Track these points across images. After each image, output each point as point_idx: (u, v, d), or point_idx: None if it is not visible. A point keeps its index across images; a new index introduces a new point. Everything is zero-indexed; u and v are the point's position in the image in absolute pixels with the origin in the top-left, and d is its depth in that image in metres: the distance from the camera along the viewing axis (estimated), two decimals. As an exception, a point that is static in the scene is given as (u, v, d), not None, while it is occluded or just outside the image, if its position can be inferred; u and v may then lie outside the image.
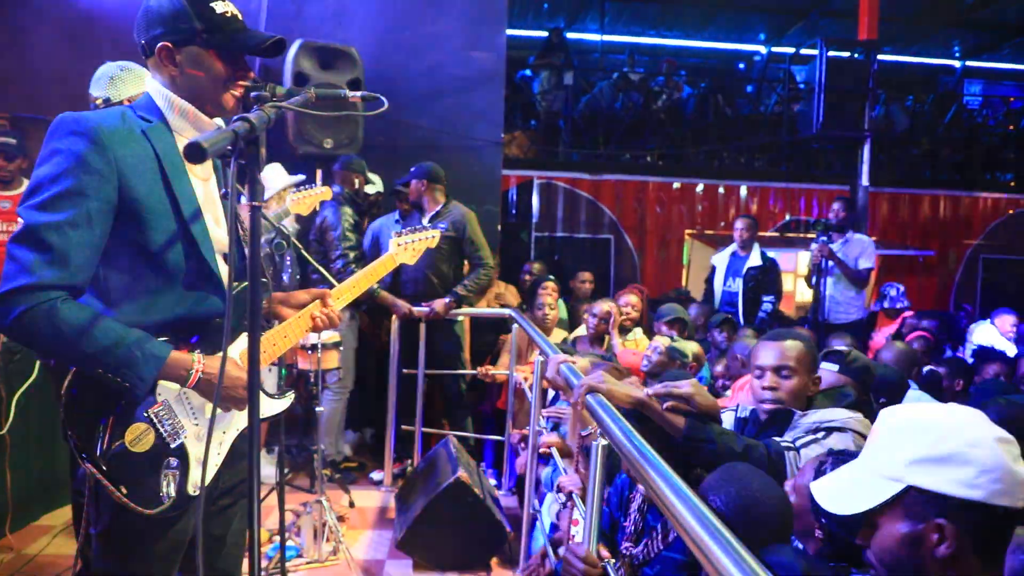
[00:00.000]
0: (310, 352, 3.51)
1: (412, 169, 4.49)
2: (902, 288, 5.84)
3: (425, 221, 4.37)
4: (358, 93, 1.57)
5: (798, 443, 1.88)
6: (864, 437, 1.88)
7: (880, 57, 8.13)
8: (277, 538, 3.03)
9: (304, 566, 3.28)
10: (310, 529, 3.33)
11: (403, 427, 4.43)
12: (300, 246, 2.66)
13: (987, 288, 9.54)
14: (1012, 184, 9.79)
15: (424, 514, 3.29)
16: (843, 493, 1.22)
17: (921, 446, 1.14)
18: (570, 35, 10.65)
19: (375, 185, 4.94)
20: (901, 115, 9.85)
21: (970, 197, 9.54)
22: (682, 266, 8.82)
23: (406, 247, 2.32)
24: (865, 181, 7.42)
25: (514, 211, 8.69)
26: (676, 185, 8.79)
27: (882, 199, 9.08)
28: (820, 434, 1.89)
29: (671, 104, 9.29)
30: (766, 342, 2.10)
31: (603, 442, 1.64)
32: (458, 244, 4.39)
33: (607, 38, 11.61)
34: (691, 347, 3.71)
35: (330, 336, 3.60)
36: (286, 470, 4.11)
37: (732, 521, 1.49)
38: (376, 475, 4.47)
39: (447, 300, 4.28)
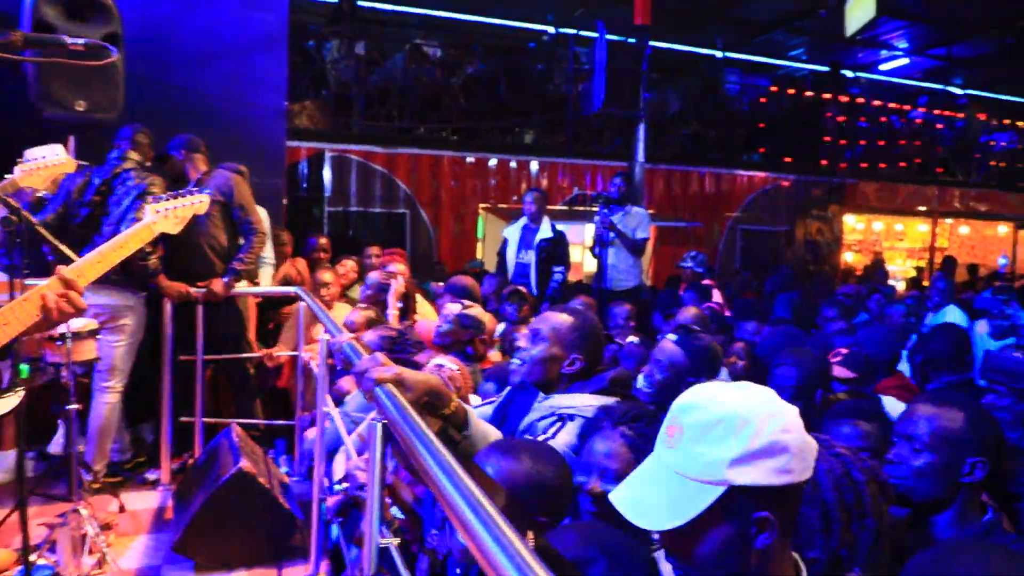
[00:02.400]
0: (59, 343, 3.07)
1: (169, 143, 4.11)
2: (701, 256, 6.34)
3: None
4: (79, 40, 1.34)
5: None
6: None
7: (653, 43, 8.73)
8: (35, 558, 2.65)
9: (63, 584, 2.91)
10: (67, 543, 2.95)
11: (182, 419, 4.07)
12: (33, 221, 2.30)
13: (745, 255, 10.73)
14: (763, 163, 11.03)
15: (204, 511, 3.05)
16: (658, 505, 1.08)
17: (740, 443, 1.06)
18: (362, 2, 10.31)
19: None
20: (673, 98, 10.69)
21: (730, 174, 10.64)
22: (477, 239, 8.97)
23: (167, 214, 2.07)
24: (641, 158, 7.98)
25: (305, 185, 8.30)
26: (470, 160, 8.88)
27: (657, 175, 9.84)
28: (551, 427, 1.87)
29: (465, 79, 9.32)
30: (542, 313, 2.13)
31: (381, 422, 1.57)
32: (228, 209, 4.07)
33: (400, 8, 11.37)
34: (483, 316, 3.73)
35: (86, 324, 3.18)
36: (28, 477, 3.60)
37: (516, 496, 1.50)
38: (152, 474, 4.07)
39: (225, 279, 3.98)
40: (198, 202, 2.17)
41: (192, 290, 3.93)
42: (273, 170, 5.32)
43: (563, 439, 1.84)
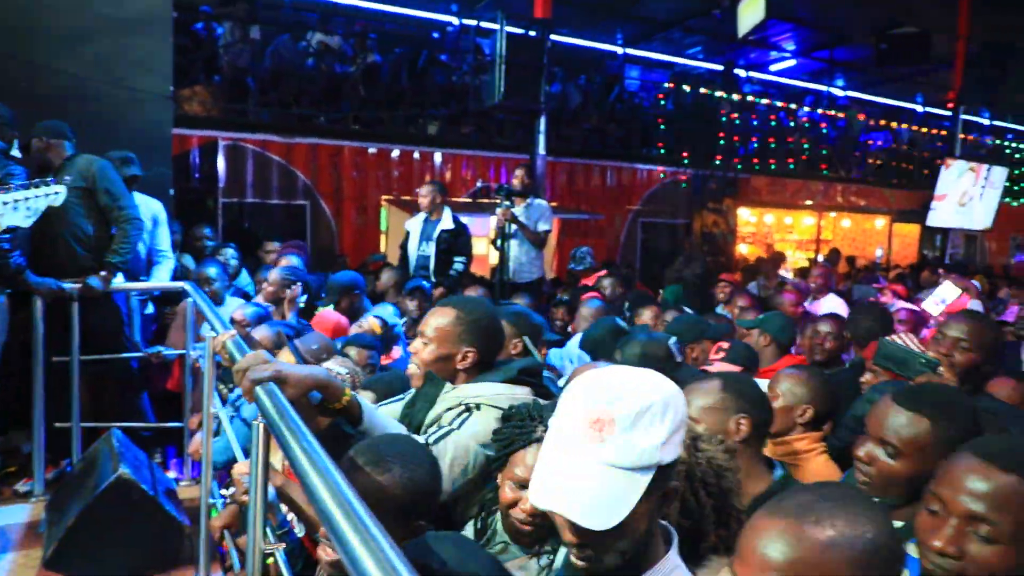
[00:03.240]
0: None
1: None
2: (589, 249, 6.49)
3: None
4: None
5: (430, 437, 1.81)
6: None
7: (556, 38, 8.81)
8: None
9: (-84, 609, 2.65)
10: (-80, 563, 2.69)
11: (56, 424, 3.79)
12: None
13: (646, 247, 11.04)
14: (661, 158, 11.36)
15: (81, 522, 2.84)
16: (600, 503, 1.05)
17: (666, 424, 1.10)
18: (257, -15, 9.89)
19: None
20: (575, 92, 10.84)
21: (631, 168, 10.90)
22: (380, 232, 8.81)
23: (15, 206, 1.90)
24: (542, 151, 8.05)
25: (197, 175, 7.91)
26: (372, 150, 8.70)
27: (560, 168, 9.96)
28: (457, 418, 1.84)
29: (366, 68, 9.12)
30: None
31: (262, 423, 1.49)
32: (92, 196, 3.81)
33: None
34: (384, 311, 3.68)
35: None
36: None
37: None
38: (23, 486, 3.77)
39: (102, 274, 3.72)
40: (52, 193, 2.00)
41: (66, 286, 3.65)
42: (160, 158, 5.02)
43: (470, 429, 1.81)
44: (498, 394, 1.88)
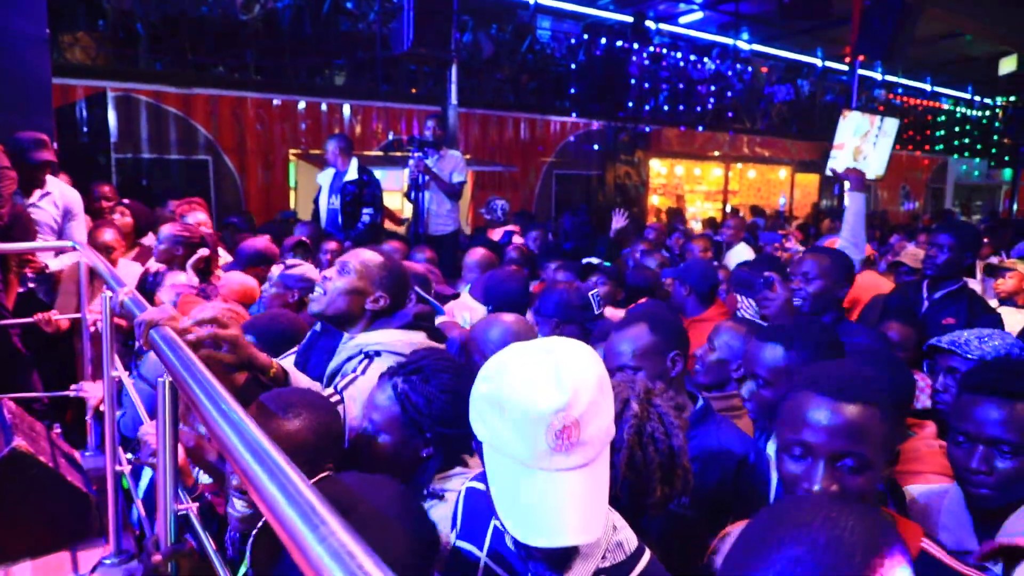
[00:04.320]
0: None
1: None
2: (504, 202, 6.42)
3: None
4: None
5: (338, 384, 1.80)
6: None
7: (466, -15, 8.59)
8: None
9: None
10: None
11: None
12: None
13: (560, 199, 11.10)
14: (573, 109, 11.36)
15: (-28, 500, 2.67)
16: (595, 509, 1.02)
17: (609, 393, 1.08)
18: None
19: None
20: (487, 42, 10.65)
21: (544, 120, 10.86)
22: (289, 188, 8.49)
23: None
24: (454, 100, 7.89)
25: (86, 128, 7.37)
26: (277, 102, 8.31)
27: (473, 120, 9.82)
28: (360, 365, 1.84)
29: (266, 14, 8.64)
30: None
31: (168, 379, 1.42)
32: None
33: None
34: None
35: None
36: None
37: None
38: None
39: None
40: None
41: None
42: (40, 109, 4.64)
43: (372, 376, 1.79)
44: (396, 340, 1.90)
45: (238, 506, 1.49)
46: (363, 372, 1.82)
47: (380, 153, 8.86)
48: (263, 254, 3.87)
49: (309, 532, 0.71)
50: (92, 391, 3.34)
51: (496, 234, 5.79)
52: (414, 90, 9.57)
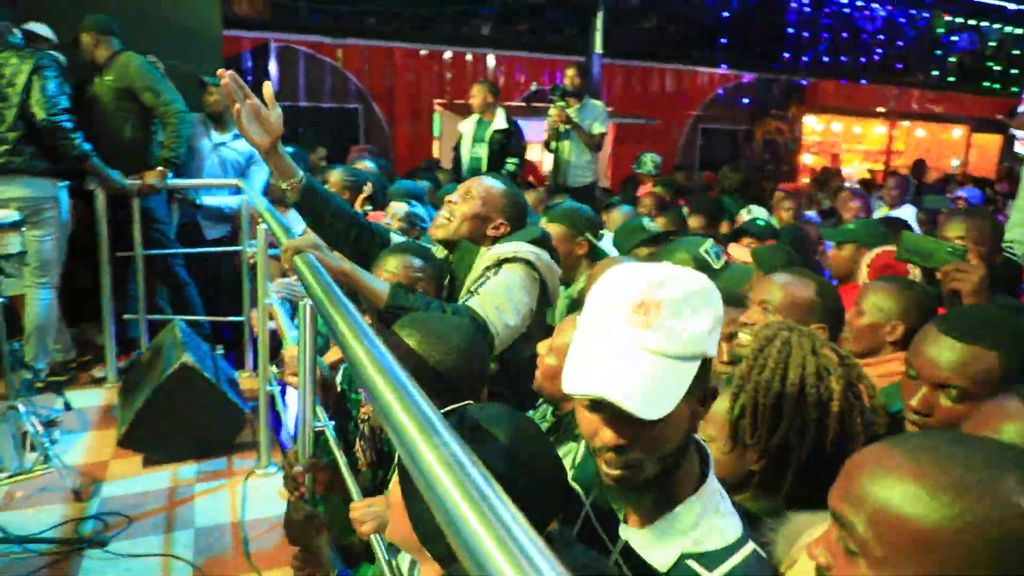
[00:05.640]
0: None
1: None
2: (657, 157, 6.29)
3: (98, 79, 3.82)
4: None
5: (475, 287, 1.91)
6: (535, 268, 1.97)
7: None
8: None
9: (6, 481, 2.86)
10: (6, 440, 2.88)
11: (125, 317, 3.97)
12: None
13: (704, 154, 10.68)
14: (723, 60, 10.80)
15: (149, 405, 3.00)
16: (649, 391, 0.94)
17: (711, 312, 1.00)
18: None
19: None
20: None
21: (691, 72, 10.42)
22: (433, 137, 8.70)
23: None
24: (599, 49, 7.71)
25: (251, 78, 7.88)
26: (423, 52, 8.49)
27: (616, 71, 9.57)
28: (491, 271, 1.94)
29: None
30: None
31: (308, 302, 1.50)
32: (134, 96, 3.82)
33: None
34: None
35: (5, 215, 2.99)
36: None
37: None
38: (98, 372, 3.99)
39: (159, 169, 3.78)
40: None
41: (128, 182, 3.73)
42: (208, 60, 4.98)
43: (504, 276, 1.92)
44: (527, 251, 1.98)
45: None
46: (495, 274, 1.93)
47: (523, 104, 8.86)
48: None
49: (426, 440, 0.74)
50: (253, 318, 3.63)
51: (641, 193, 5.67)
52: (557, 40, 9.45)
